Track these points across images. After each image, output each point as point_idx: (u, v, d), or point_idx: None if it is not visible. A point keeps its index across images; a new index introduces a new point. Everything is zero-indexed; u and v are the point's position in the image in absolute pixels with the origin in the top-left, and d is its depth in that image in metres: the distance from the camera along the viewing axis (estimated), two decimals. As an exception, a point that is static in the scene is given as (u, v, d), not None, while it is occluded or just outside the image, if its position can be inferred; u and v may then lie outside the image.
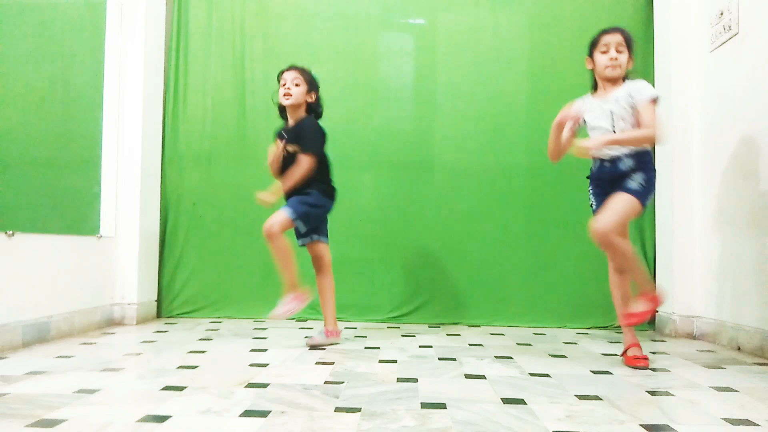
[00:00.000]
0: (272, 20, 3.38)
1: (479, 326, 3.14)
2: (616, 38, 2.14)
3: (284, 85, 2.50)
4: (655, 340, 2.74)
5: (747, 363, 2.18)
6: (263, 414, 1.41)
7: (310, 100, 2.56)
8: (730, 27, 2.59)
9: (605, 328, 3.13)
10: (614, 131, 2.10)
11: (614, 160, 2.10)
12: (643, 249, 3.18)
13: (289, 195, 2.49)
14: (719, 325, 2.65)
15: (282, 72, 2.55)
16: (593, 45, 2.19)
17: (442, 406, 1.51)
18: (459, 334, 2.83)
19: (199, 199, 3.33)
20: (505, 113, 3.27)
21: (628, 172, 2.08)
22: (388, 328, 3.02)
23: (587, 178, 2.26)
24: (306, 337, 2.55)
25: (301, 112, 2.55)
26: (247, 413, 1.42)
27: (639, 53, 3.23)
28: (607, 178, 2.13)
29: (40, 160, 2.50)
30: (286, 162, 2.50)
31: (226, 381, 1.76)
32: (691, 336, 2.83)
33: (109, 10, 2.94)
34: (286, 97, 2.49)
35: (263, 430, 1.29)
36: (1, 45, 2.26)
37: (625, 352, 2.17)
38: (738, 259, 2.54)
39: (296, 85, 2.50)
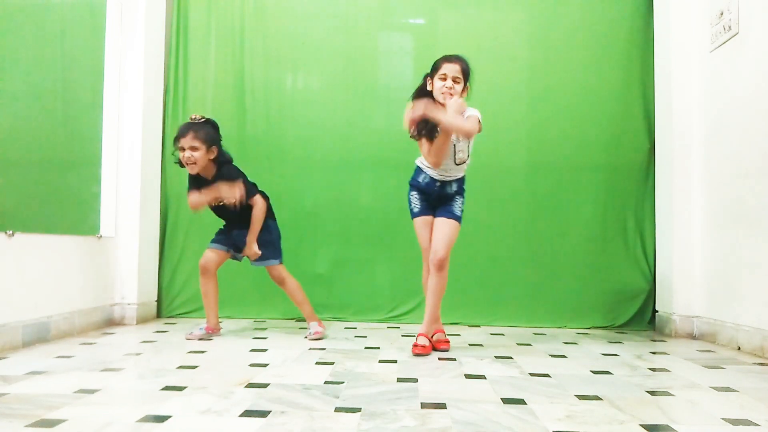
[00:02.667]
0: (272, 20, 3.38)
1: (479, 326, 3.14)
2: (454, 68, 2.30)
3: (183, 151, 2.50)
4: (655, 340, 2.74)
5: (747, 363, 2.19)
6: (263, 414, 1.41)
7: (212, 156, 2.55)
8: (730, 27, 2.59)
9: (605, 328, 3.13)
10: (455, 155, 2.35)
11: (444, 183, 2.38)
12: (644, 249, 3.19)
13: (234, 227, 2.68)
14: (719, 325, 2.65)
15: (177, 137, 2.53)
16: (434, 69, 2.34)
17: (442, 406, 1.51)
18: (459, 334, 2.83)
19: (199, 199, 3.33)
20: (505, 113, 3.27)
21: (452, 195, 2.40)
22: (388, 328, 3.02)
23: (410, 184, 2.48)
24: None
25: (211, 168, 2.58)
26: (247, 413, 1.42)
27: (639, 53, 3.25)
28: (434, 195, 2.40)
29: (40, 160, 2.50)
30: (219, 208, 2.67)
31: (226, 381, 1.76)
32: (691, 336, 2.83)
33: (109, 10, 2.94)
34: (191, 168, 2.52)
35: (263, 430, 1.29)
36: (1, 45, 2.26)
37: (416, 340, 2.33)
38: (738, 259, 2.54)
39: (195, 149, 2.49)
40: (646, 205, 3.20)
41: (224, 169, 2.59)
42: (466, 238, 3.28)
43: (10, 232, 2.22)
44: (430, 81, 2.35)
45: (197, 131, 2.49)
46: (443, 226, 2.37)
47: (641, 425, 1.37)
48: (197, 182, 2.59)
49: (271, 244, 2.68)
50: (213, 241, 2.73)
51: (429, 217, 2.43)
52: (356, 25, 3.36)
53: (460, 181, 2.43)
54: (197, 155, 2.49)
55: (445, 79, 2.29)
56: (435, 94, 2.32)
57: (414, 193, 2.46)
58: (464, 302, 3.20)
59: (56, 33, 2.58)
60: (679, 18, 2.95)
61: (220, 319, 3.16)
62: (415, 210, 2.45)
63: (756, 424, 1.39)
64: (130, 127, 3.04)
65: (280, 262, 2.71)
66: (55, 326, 2.48)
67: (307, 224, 3.30)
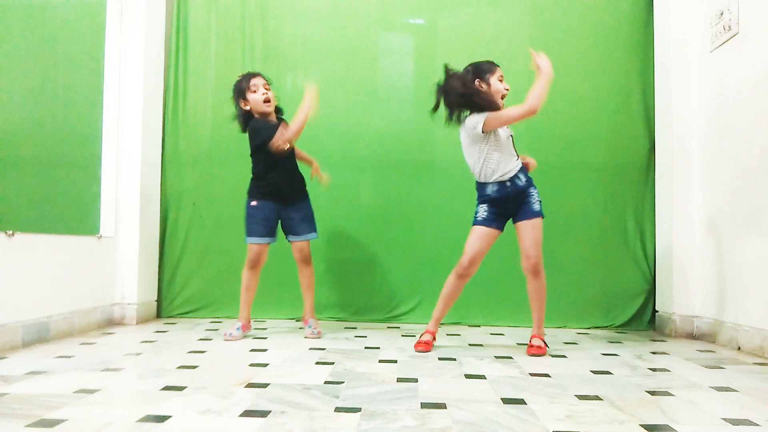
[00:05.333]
0: (272, 20, 3.38)
1: (479, 326, 3.14)
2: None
3: (255, 91, 2.57)
4: (655, 340, 2.74)
5: (747, 363, 2.19)
6: (263, 414, 1.41)
7: (276, 103, 2.69)
8: (730, 27, 2.59)
9: (605, 328, 3.13)
10: (513, 145, 2.40)
11: (513, 179, 2.32)
12: (644, 249, 3.19)
13: (293, 196, 2.69)
14: (719, 325, 2.65)
15: (249, 78, 2.60)
16: (485, 71, 2.38)
17: (442, 406, 1.51)
18: (459, 334, 2.83)
19: (199, 199, 3.33)
20: (505, 113, 3.27)
21: (525, 188, 2.33)
22: (388, 328, 3.02)
23: (478, 201, 2.40)
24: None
25: (273, 115, 2.68)
26: (247, 413, 1.42)
27: (639, 53, 3.25)
28: (511, 198, 2.33)
29: (40, 159, 2.50)
30: (288, 158, 2.67)
31: (226, 381, 1.76)
32: (691, 336, 2.84)
33: (109, 10, 2.94)
34: (267, 103, 2.59)
35: (263, 430, 1.29)
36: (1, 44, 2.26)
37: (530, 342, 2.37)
38: (738, 259, 2.54)
39: (267, 89, 2.60)
40: (646, 205, 3.20)
41: (281, 114, 2.72)
42: (465, 238, 3.29)
43: (10, 232, 2.23)
44: (480, 82, 2.34)
45: (263, 75, 2.64)
46: (528, 230, 2.32)
47: (641, 425, 1.37)
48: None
49: (313, 219, 2.74)
50: (259, 235, 2.62)
51: (490, 230, 2.35)
52: (356, 25, 3.36)
53: (524, 171, 2.36)
54: (271, 95, 2.60)
55: (502, 81, 2.36)
56: (495, 95, 2.35)
57: (483, 205, 2.38)
58: (464, 302, 3.19)
59: (56, 33, 2.58)
60: (679, 18, 2.95)
61: (219, 320, 3.18)
62: (479, 218, 2.37)
63: (756, 424, 1.39)
64: (130, 127, 3.04)
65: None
66: (55, 326, 2.48)
67: (307, 224, 3.30)
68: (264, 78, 2.63)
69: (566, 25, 3.27)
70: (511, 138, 2.39)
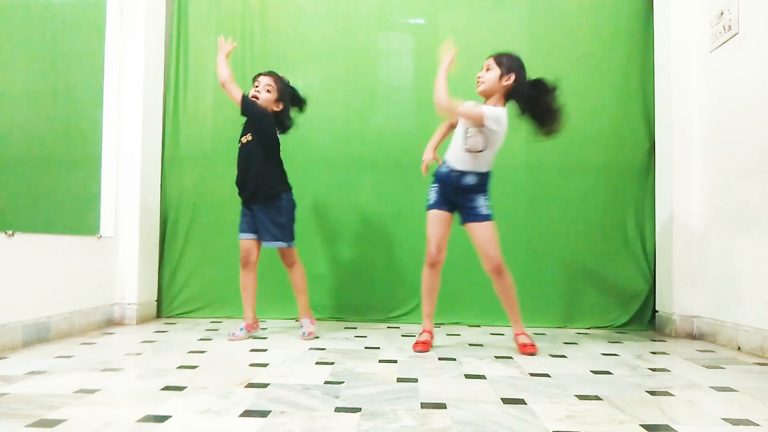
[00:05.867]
0: (272, 20, 3.38)
1: (479, 326, 3.14)
2: (486, 61, 2.45)
3: (256, 87, 2.60)
4: (655, 340, 2.74)
5: (747, 363, 2.19)
6: (263, 414, 1.41)
7: (276, 109, 2.63)
8: (730, 27, 2.59)
9: (605, 328, 3.13)
10: (465, 139, 2.33)
11: (462, 173, 2.34)
12: (644, 249, 3.19)
13: (254, 196, 2.61)
14: (719, 325, 2.65)
15: (259, 75, 2.64)
16: None
17: (442, 406, 1.51)
18: (459, 334, 2.83)
19: (199, 199, 3.33)
20: (505, 113, 3.26)
21: (471, 188, 2.34)
22: (388, 328, 3.02)
23: (434, 176, 2.46)
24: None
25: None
26: (247, 413, 1.42)
27: (639, 53, 3.25)
28: (452, 186, 2.37)
29: (40, 159, 2.50)
30: (243, 154, 2.62)
31: (226, 381, 1.76)
32: (691, 336, 2.84)
33: (109, 10, 2.94)
34: (254, 99, 2.58)
35: (263, 430, 1.29)
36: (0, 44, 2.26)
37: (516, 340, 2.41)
38: (738, 259, 2.54)
39: (267, 91, 2.58)
40: (646, 205, 3.20)
41: (255, 106, 2.58)
42: (465, 238, 3.29)
43: (10, 232, 2.23)
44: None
45: (279, 79, 2.63)
46: (479, 232, 2.34)
47: (641, 425, 1.37)
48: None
49: (282, 226, 2.61)
50: (242, 230, 2.65)
51: (443, 213, 2.40)
52: (356, 25, 3.36)
53: (481, 177, 2.36)
54: (263, 96, 2.57)
55: (481, 69, 2.44)
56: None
57: (435, 185, 2.43)
58: (464, 302, 3.21)
59: (56, 33, 2.58)
60: (679, 18, 2.95)
61: (219, 320, 3.17)
62: (430, 202, 2.43)
63: (756, 424, 1.39)
64: (130, 127, 3.04)
65: (291, 246, 2.65)
66: (55, 326, 2.48)
67: (307, 224, 3.30)
68: (271, 76, 2.61)
69: (566, 25, 3.27)
70: (464, 131, 2.37)
